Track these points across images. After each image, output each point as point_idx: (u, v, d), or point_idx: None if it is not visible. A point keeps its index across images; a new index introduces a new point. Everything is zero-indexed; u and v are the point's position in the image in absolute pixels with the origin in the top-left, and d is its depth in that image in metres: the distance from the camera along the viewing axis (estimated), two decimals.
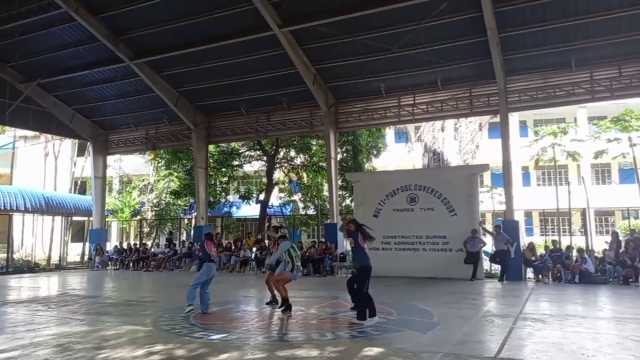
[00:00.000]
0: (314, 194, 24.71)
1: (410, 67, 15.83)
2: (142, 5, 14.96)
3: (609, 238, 15.17)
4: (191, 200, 26.38)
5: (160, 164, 29.40)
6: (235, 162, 25.61)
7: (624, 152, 19.00)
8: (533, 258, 14.70)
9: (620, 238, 14.88)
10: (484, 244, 14.94)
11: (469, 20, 13.70)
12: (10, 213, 21.06)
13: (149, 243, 22.93)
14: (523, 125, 29.65)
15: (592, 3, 12.66)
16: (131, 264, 20.50)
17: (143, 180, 32.51)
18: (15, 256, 23.38)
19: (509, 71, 15.08)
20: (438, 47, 14.73)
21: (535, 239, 21.79)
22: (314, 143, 24.09)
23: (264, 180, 26.05)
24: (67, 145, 33.71)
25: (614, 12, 12.70)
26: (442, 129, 23.82)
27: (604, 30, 13.34)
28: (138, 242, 23.04)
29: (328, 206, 19.04)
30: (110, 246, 23.52)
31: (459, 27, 14.07)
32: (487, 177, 28.45)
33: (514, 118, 27.47)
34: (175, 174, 27.45)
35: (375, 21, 14.12)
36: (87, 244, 23.46)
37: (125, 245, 22.36)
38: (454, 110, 16.56)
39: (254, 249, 18.82)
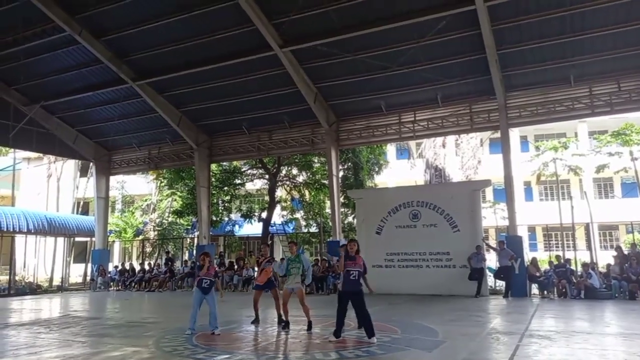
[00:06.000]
0: (316, 211, 24.68)
1: (410, 85, 15.96)
2: (145, 27, 15.19)
3: (613, 252, 15.07)
4: (194, 220, 26.36)
5: (162, 184, 29.47)
6: (238, 181, 25.65)
7: (625, 166, 19.00)
8: (537, 274, 14.59)
9: (625, 252, 14.79)
10: (484, 260, 14.83)
11: (467, 38, 13.85)
12: (13, 234, 21.05)
13: (151, 263, 22.77)
14: (524, 140, 29.71)
15: (589, 19, 12.80)
16: (134, 285, 20.39)
17: (146, 200, 32.58)
18: (17, 278, 23.28)
19: (509, 87, 15.19)
20: (437, 64, 14.87)
21: (539, 255, 21.69)
22: (315, 161, 24.15)
23: (266, 198, 26.05)
24: (70, 166, 33.87)
25: (611, 27, 12.83)
26: (444, 145, 23.89)
27: (602, 45, 13.46)
28: (142, 262, 22.94)
29: (330, 224, 18.99)
30: (112, 266, 23.42)
31: (458, 45, 14.22)
32: (489, 193, 28.40)
33: (515, 133, 27.54)
34: (178, 193, 27.50)
35: (375, 40, 14.29)
36: (90, 265, 23.37)
37: (127, 266, 22.27)
38: (455, 127, 16.63)
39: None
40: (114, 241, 29.76)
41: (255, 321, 9.21)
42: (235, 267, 19.23)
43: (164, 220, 30.55)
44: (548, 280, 14.18)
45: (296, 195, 25.69)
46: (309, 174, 24.66)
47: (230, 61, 15.69)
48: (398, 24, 13.37)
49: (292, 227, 27.22)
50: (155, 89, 18.05)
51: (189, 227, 29.25)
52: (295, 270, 8.56)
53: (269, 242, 24.16)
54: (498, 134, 16.00)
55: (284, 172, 25.06)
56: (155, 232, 30.15)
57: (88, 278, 23.09)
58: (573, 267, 14.79)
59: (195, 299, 8.46)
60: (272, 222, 24.66)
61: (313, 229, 25.35)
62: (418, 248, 15.34)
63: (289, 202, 26.70)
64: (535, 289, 14.70)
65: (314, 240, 24.89)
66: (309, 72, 16.12)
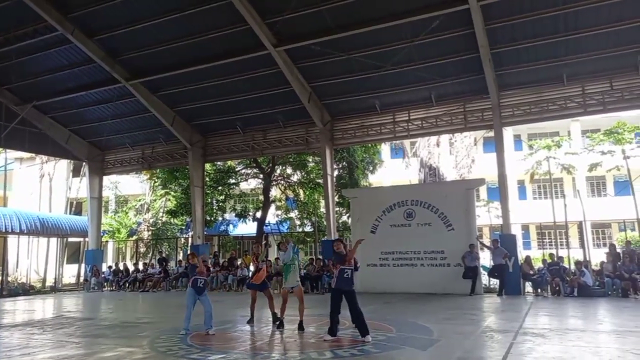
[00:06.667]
0: (311, 210, 24.67)
1: (405, 84, 15.98)
2: (138, 27, 15.12)
3: (606, 250, 15.18)
4: (188, 220, 26.28)
5: (156, 184, 29.37)
6: (232, 180, 25.59)
7: (618, 164, 19.13)
8: (531, 272, 14.67)
9: (618, 250, 14.90)
10: (478, 258, 14.87)
11: (461, 37, 13.89)
12: (5, 235, 20.89)
13: (146, 263, 22.69)
14: (517, 139, 29.87)
15: (581, 19, 12.87)
16: (128, 285, 20.30)
17: (139, 200, 32.44)
18: (10, 279, 23.11)
19: (502, 86, 15.26)
20: (431, 63, 14.90)
21: (533, 253, 21.79)
22: (310, 160, 24.13)
23: (261, 198, 26.00)
24: (62, 166, 33.67)
25: (603, 27, 12.90)
26: (438, 144, 23.97)
27: (594, 45, 13.54)
28: (136, 262, 22.85)
29: (325, 223, 18.99)
30: (106, 267, 23.31)
31: (452, 44, 14.26)
32: (483, 191, 28.55)
33: (508, 132, 27.76)
34: (172, 193, 27.40)
35: (369, 39, 14.29)
36: (83, 265, 23.24)
37: (121, 266, 22.18)
38: (449, 126, 16.67)
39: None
40: (107, 241, 29.62)
41: (251, 321, 9.19)
42: (228, 266, 19.19)
43: (157, 220, 30.43)
44: (542, 279, 14.26)
45: (291, 194, 25.67)
46: (303, 173, 24.64)
47: (224, 60, 15.64)
48: (392, 23, 13.37)
49: (286, 227, 27.19)
50: (148, 89, 17.96)
51: (183, 227, 29.13)
52: (293, 268, 8.56)
53: (264, 242, 24.15)
54: (492, 133, 16.06)
55: (278, 171, 25.03)
56: (149, 232, 30.03)
57: (81, 278, 22.96)
58: (566, 265, 14.88)
59: (189, 299, 8.44)
60: (266, 221, 24.64)
61: (308, 228, 25.34)
62: (412, 247, 15.37)
63: (283, 202, 26.67)
64: (529, 287, 14.76)
65: (308, 239, 24.88)
66: (303, 72, 16.10)
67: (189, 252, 17.47)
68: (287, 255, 8.70)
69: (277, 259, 11.08)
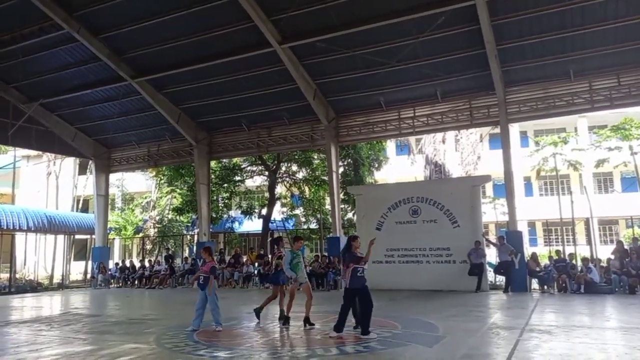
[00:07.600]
0: (316, 208, 24.69)
1: (410, 80, 15.93)
2: (143, 25, 15.14)
3: (613, 247, 15.10)
4: (193, 217, 26.38)
5: (162, 181, 29.50)
6: (237, 178, 25.66)
7: (625, 160, 19.01)
8: (537, 269, 14.61)
9: (625, 247, 14.81)
10: (484, 256, 14.83)
11: (467, 33, 13.81)
12: (13, 232, 21.06)
13: (151, 260, 22.82)
14: (524, 135, 29.72)
15: (588, 14, 12.77)
16: (135, 282, 20.42)
17: (145, 198, 32.61)
18: (18, 276, 23.33)
19: (508, 82, 15.17)
20: (437, 60, 14.83)
21: (539, 250, 21.69)
22: (315, 157, 24.15)
23: (266, 195, 26.07)
24: (69, 164, 33.88)
25: (610, 22, 12.80)
26: (443, 141, 23.89)
27: (601, 40, 13.43)
28: (142, 259, 22.98)
29: (330, 220, 19.01)
30: (112, 264, 23.47)
31: (457, 40, 14.18)
32: (489, 188, 28.41)
33: (515, 128, 27.59)
34: (178, 190, 27.52)
35: (374, 36, 14.25)
36: (90, 262, 23.40)
37: (127, 263, 22.30)
38: (454, 122, 16.62)
39: (256, 264, 18.76)
40: (114, 238, 29.80)
41: (282, 317, 9.04)
42: (234, 263, 19.27)
43: (163, 218, 30.57)
44: (548, 275, 14.20)
45: (296, 191, 25.71)
46: (308, 170, 24.66)
47: (229, 58, 15.64)
48: (396, 19, 13.33)
49: (292, 224, 27.25)
50: (154, 86, 18.01)
51: (189, 224, 29.26)
52: (300, 265, 8.56)
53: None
54: (498, 130, 16.00)
55: (283, 168, 25.07)
56: (155, 230, 30.19)
57: (88, 275, 23.15)
58: (573, 261, 14.81)
59: (199, 296, 8.42)
60: (272, 218, 24.68)
61: (313, 226, 25.37)
62: (418, 244, 15.35)
63: (288, 199, 26.71)
64: (535, 284, 14.71)
65: (314, 236, 24.92)
66: (308, 69, 16.09)
67: (195, 249, 17.48)
68: (286, 267, 8.60)
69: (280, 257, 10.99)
